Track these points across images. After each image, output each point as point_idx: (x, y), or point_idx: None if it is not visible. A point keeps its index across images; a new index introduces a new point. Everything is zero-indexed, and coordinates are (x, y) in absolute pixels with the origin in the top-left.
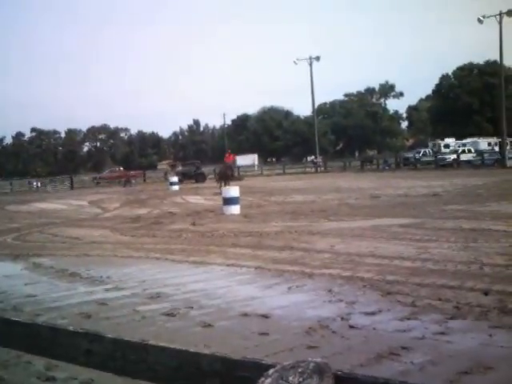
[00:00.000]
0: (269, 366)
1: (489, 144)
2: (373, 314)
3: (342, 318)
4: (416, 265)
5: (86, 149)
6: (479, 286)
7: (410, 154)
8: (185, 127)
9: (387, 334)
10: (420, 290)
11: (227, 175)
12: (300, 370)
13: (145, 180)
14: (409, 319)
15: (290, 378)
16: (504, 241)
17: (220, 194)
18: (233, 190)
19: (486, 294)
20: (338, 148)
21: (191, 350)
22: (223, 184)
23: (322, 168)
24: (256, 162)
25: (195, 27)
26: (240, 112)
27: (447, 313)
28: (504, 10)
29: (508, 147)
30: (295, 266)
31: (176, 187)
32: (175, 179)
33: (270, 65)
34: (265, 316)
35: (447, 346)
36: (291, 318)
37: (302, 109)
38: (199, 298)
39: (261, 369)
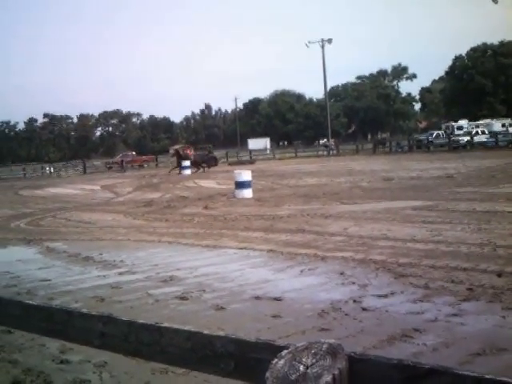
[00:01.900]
0: (282, 348)
1: (503, 125)
2: (385, 296)
3: (355, 301)
4: (429, 247)
5: (98, 134)
6: (492, 267)
7: (422, 137)
8: (197, 112)
9: (400, 316)
10: (433, 272)
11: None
12: (313, 351)
13: (157, 165)
14: (421, 301)
15: (304, 359)
16: None
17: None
18: (245, 174)
19: (499, 275)
20: (351, 131)
21: (205, 332)
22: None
23: (335, 151)
24: (268, 146)
25: (206, 11)
26: (252, 96)
27: (460, 295)
28: None
29: None
30: (308, 249)
31: (188, 171)
32: (187, 163)
33: (282, 48)
34: (277, 299)
35: (460, 327)
36: (304, 300)
37: (314, 92)
38: (212, 281)
39: (274, 350)
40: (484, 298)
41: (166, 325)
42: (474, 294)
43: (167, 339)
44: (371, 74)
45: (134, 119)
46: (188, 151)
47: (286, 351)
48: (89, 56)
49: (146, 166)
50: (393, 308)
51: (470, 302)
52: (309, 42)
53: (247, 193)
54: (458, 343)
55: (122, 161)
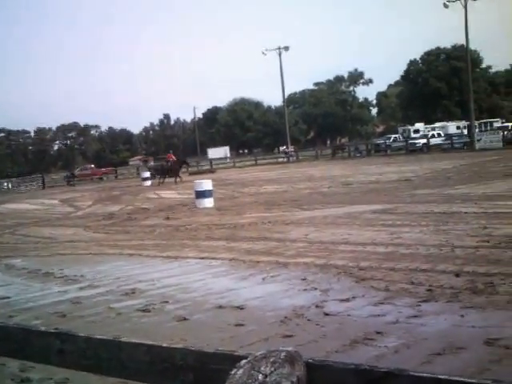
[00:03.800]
0: (241, 357)
1: (458, 127)
2: (347, 300)
3: (317, 306)
4: (389, 250)
5: (56, 147)
6: (451, 268)
7: (380, 141)
8: (156, 122)
9: (361, 319)
10: (393, 274)
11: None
12: (272, 360)
13: (117, 177)
14: (382, 304)
15: (262, 368)
16: (474, 222)
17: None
18: (205, 183)
19: (457, 275)
20: (310, 137)
21: (164, 344)
22: (163, 180)
23: (294, 158)
24: (228, 154)
25: (165, 22)
26: (211, 105)
27: (420, 296)
28: None
29: (476, 130)
30: (269, 256)
31: (148, 182)
32: (147, 174)
33: (239, 57)
34: (240, 307)
35: (420, 328)
36: (266, 308)
37: (273, 99)
38: (174, 292)
39: (234, 360)
40: (443, 299)
41: (124, 339)
42: (433, 294)
43: (126, 353)
44: (328, 80)
45: (93, 131)
46: (171, 155)
47: (244, 361)
48: (44, 70)
49: (105, 178)
50: (354, 312)
51: (430, 302)
52: (266, 50)
53: (208, 202)
54: (418, 344)
55: (67, 175)
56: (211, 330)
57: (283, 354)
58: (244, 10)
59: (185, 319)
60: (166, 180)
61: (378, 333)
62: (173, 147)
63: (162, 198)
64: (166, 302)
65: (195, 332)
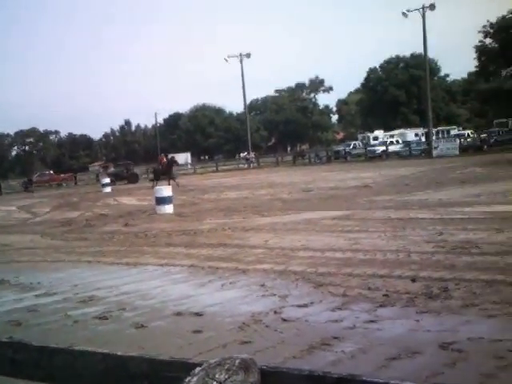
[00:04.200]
0: (196, 365)
1: (416, 135)
2: (305, 306)
3: (275, 312)
4: (347, 256)
5: (14, 153)
6: (407, 273)
7: (340, 147)
8: (116, 128)
9: (319, 325)
10: (351, 280)
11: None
12: (226, 367)
13: (76, 183)
14: (340, 309)
15: (217, 376)
16: (430, 228)
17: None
18: (165, 190)
19: (413, 280)
20: (271, 143)
21: (118, 353)
22: (156, 183)
23: (255, 164)
24: (189, 161)
25: (127, 25)
26: (172, 111)
27: (377, 301)
28: (427, 4)
29: (434, 137)
30: (229, 262)
31: (108, 189)
32: (107, 180)
33: (202, 63)
34: (198, 314)
35: (377, 333)
36: (225, 314)
37: (235, 106)
38: (132, 299)
39: (188, 368)
40: (399, 304)
41: (78, 348)
42: (389, 299)
43: (81, 362)
44: (289, 87)
45: (52, 137)
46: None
47: (199, 368)
48: (2, 73)
49: (64, 184)
50: (312, 317)
51: (386, 307)
52: (228, 57)
53: (168, 208)
54: (374, 349)
55: (25, 182)
56: (169, 337)
57: (238, 361)
58: (205, 16)
59: (142, 326)
60: (127, 186)
61: (336, 338)
62: (134, 153)
63: (121, 205)
64: (124, 309)
65: (153, 339)
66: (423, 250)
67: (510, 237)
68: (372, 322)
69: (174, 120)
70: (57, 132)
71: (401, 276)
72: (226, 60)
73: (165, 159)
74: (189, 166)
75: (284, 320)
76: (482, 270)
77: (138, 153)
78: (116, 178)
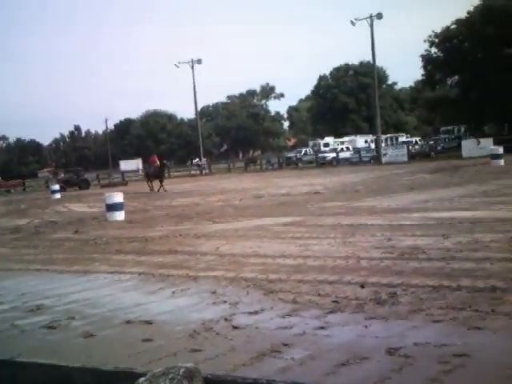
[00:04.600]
0: (140, 375)
1: (365, 141)
2: (256, 313)
3: (226, 319)
4: (297, 262)
5: None
6: (356, 279)
7: (291, 154)
8: (66, 134)
9: (269, 332)
10: (301, 286)
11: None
12: (170, 376)
13: (25, 189)
14: (290, 316)
15: None
16: (379, 234)
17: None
18: (116, 196)
19: (362, 286)
20: (223, 150)
21: (62, 363)
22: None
23: (207, 170)
24: (140, 167)
25: (75, 27)
26: (123, 117)
27: (326, 307)
28: (374, 14)
29: (383, 144)
30: (180, 269)
31: (58, 195)
32: (57, 187)
33: (152, 68)
34: (148, 322)
35: (326, 339)
36: (175, 322)
37: (187, 112)
38: (81, 308)
39: (133, 378)
40: (348, 310)
41: (21, 359)
42: (339, 305)
43: (24, 374)
44: (241, 94)
45: (0, 142)
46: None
47: (143, 378)
48: None
49: (13, 191)
50: (263, 324)
51: (336, 313)
52: (178, 63)
53: (119, 215)
54: (324, 355)
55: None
56: (118, 346)
57: (182, 370)
58: (158, 22)
59: (91, 335)
60: (77, 192)
61: (285, 345)
62: (84, 159)
63: (71, 211)
64: (73, 318)
65: (102, 348)
66: (372, 256)
67: (455, 242)
68: (321, 328)
69: (125, 126)
70: (4, 137)
71: (350, 282)
72: (177, 66)
73: (157, 160)
74: (140, 172)
75: (234, 327)
76: (428, 276)
77: (88, 159)
78: (66, 185)
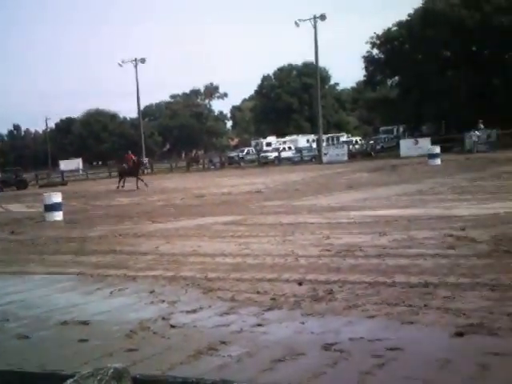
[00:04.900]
0: (68, 376)
1: (307, 141)
2: (194, 311)
3: (164, 318)
4: (237, 260)
5: None
6: (294, 276)
7: (234, 153)
8: (4, 132)
9: (207, 330)
10: (240, 284)
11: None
12: (99, 378)
13: None
14: (228, 314)
15: None
16: (318, 232)
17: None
18: (54, 196)
19: (300, 284)
20: (166, 149)
21: None
22: (123, 183)
23: (149, 170)
24: (80, 166)
25: (14, 26)
26: (64, 116)
27: (264, 305)
28: (318, 15)
29: (324, 144)
30: (118, 269)
31: None
32: None
33: (95, 67)
34: (85, 323)
35: (263, 336)
36: (112, 322)
37: (129, 111)
38: (16, 309)
39: (61, 379)
40: (286, 307)
41: None
42: (276, 303)
43: None
44: (184, 93)
45: None
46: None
47: (71, 380)
48: None
49: None
50: (201, 323)
51: (273, 311)
52: (122, 62)
53: (57, 215)
54: (261, 352)
55: None
56: (54, 347)
57: (111, 371)
58: (100, 20)
59: (26, 337)
60: (15, 192)
61: (223, 343)
62: (23, 159)
63: (8, 212)
64: (7, 319)
65: (37, 350)
66: (310, 254)
67: (391, 240)
68: (259, 325)
69: (66, 125)
70: None
71: (288, 280)
72: (120, 65)
73: (133, 158)
74: (80, 172)
75: (172, 326)
76: (364, 272)
77: (27, 158)
78: (4, 185)
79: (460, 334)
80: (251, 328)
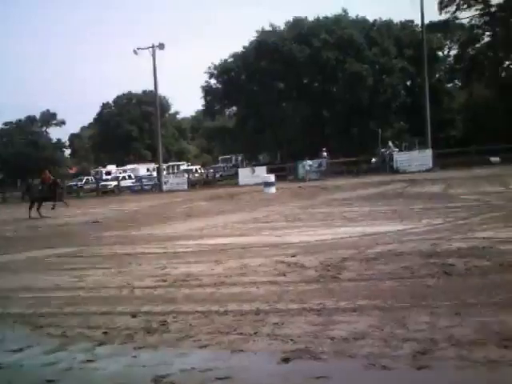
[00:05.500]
0: None
1: (147, 170)
2: (20, 350)
3: None
4: (70, 294)
5: None
6: (129, 309)
7: (72, 183)
8: None
9: (34, 369)
10: (72, 319)
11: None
12: None
13: None
14: (57, 351)
15: None
16: (155, 263)
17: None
18: None
19: (134, 316)
20: (0, 178)
21: None
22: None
23: None
24: None
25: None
26: None
27: (96, 339)
28: (156, 44)
29: (165, 172)
30: None
31: None
32: None
33: None
34: None
35: (93, 372)
36: None
37: None
38: None
39: None
40: (118, 340)
41: None
42: (108, 337)
43: None
44: (19, 120)
45: None
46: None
47: None
48: None
49: None
50: (27, 362)
51: (105, 345)
52: None
53: None
54: None
55: None
56: None
57: None
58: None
59: None
60: None
61: (50, 381)
62: None
63: None
64: None
65: None
66: (146, 285)
67: (226, 268)
68: (89, 361)
69: None
70: None
71: (122, 312)
72: None
73: (50, 177)
74: None
75: None
76: (199, 302)
77: None
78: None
79: (286, 360)
80: (81, 364)
